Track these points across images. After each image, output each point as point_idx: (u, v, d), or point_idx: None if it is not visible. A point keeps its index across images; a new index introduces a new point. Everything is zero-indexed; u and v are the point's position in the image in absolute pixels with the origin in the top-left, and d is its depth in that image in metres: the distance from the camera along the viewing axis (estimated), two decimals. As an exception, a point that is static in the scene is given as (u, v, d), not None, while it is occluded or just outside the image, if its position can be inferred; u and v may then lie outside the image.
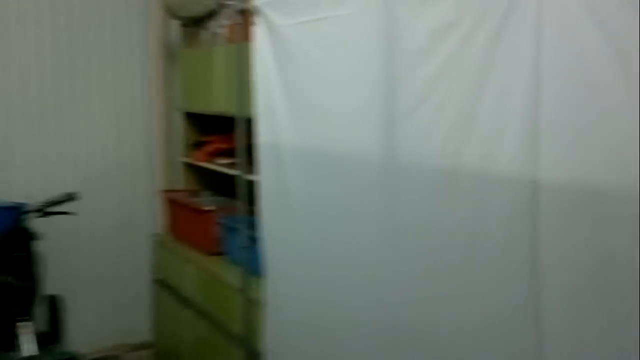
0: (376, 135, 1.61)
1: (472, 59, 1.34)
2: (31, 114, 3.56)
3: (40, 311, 3.37)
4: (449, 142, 1.41)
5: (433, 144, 1.45)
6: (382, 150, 1.60)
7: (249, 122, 2.24)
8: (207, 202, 3.20)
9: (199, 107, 3.34)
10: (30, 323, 2.81)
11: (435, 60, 1.43)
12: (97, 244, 3.77)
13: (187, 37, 3.54)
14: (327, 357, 1.89)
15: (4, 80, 3.47)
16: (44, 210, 3.07)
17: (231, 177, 2.63)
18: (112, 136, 3.76)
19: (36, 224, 3.34)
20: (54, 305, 3.34)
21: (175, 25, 3.67)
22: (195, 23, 3.41)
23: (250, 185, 2.32)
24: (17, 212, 3.11)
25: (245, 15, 2.14)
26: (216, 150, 3.23)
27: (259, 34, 2.07)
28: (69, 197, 3.07)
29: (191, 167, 3.57)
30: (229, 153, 2.92)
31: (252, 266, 2.29)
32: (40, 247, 3.42)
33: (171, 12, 3.48)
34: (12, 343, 2.66)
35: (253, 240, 2.25)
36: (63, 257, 3.63)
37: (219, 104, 2.90)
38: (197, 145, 3.46)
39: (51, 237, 3.52)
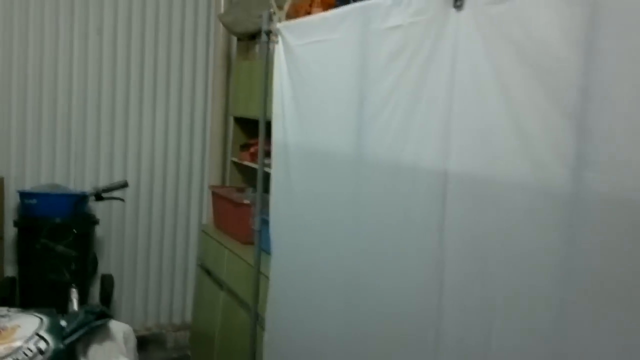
0: (350, 136, 2.05)
1: (412, 78, 1.76)
2: (103, 115, 4.06)
3: (94, 288, 3.91)
4: (396, 143, 1.83)
5: (385, 144, 1.88)
6: (353, 148, 2.04)
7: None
8: (247, 197, 3.56)
9: (243, 113, 3.80)
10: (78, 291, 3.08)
11: (390, 77, 1.86)
12: (151, 231, 4.24)
13: (243, 51, 3.98)
14: (311, 317, 2.33)
15: (81, 85, 3.98)
16: (99, 195, 3.50)
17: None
18: (173, 136, 4.25)
19: (98, 209, 3.89)
20: (106, 283, 3.81)
21: (235, 40, 4.15)
22: (249, 38, 3.88)
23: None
24: (80, 199, 3.61)
25: (270, 36, 2.64)
26: (261, 151, 3.70)
27: (279, 51, 2.56)
28: (122, 185, 3.55)
29: (239, 166, 4.01)
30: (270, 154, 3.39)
31: (264, 246, 2.77)
32: (100, 231, 3.95)
33: (228, 28, 4.01)
34: (65, 306, 2.88)
35: (266, 223, 2.73)
36: (119, 241, 4.14)
37: (255, 110, 3.39)
38: (244, 147, 3.89)
39: (111, 223, 4.09)
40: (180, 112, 4.30)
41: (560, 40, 1.30)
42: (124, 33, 4.09)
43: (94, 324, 2.33)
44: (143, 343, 3.99)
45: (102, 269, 4.04)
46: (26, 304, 3.14)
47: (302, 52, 2.37)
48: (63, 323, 2.28)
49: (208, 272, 3.83)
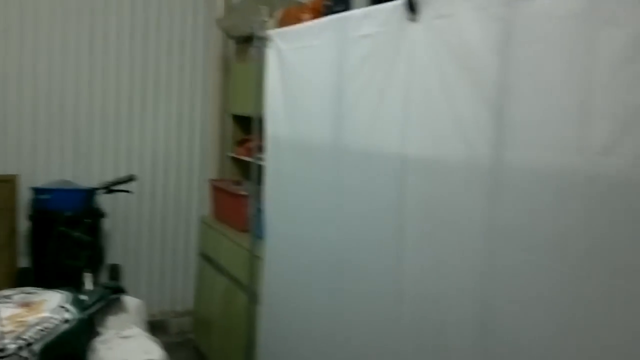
0: (330, 127, 2.46)
1: (379, 77, 2.17)
2: (109, 116, 4.41)
3: (103, 277, 4.16)
4: (366, 132, 2.24)
5: (359, 134, 2.29)
6: (333, 139, 2.45)
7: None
8: (244, 189, 3.87)
9: (240, 110, 4.18)
10: (92, 275, 3.48)
11: (362, 77, 2.27)
12: (155, 222, 4.60)
13: (240, 53, 4.35)
14: (301, 290, 2.74)
15: (88, 88, 4.32)
16: (109, 188, 3.80)
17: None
18: (174, 133, 4.61)
19: (105, 204, 4.15)
20: (114, 272, 4.15)
21: (232, 43, 4.52)
22: (245, 41, 4.22)
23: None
24: (90, 193, 3.88)
25: (263, 41, 3.05)
26: (256, 146, 4.07)
27: (271, 55, 2.98)
28: (130, 178, 3.86)
29: (236, 160, 4.36)
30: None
31: (258, 231, 3.18)
32: (108, 223, 4.24)
33: (226, 32, 4.40)
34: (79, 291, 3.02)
35: (260, 210, 3.14)
36: (126, 233, 4.48)
37: (251, 107, 3.76)
38: (241, 142, 4.25)
39: (117, 215, 4.42)
40: (181, 111, 4.66)
41: (484, 47, 1.71)
42: (129, 39, 4.45)
43: (111, 298, 2.72)
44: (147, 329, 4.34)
45: (109, 259, 4.36)
46: (43, 291, 3.49)
47: (290, 56, 2.78)
48: (83, 297, 2.66)
49: (208, 260, 4.17)
